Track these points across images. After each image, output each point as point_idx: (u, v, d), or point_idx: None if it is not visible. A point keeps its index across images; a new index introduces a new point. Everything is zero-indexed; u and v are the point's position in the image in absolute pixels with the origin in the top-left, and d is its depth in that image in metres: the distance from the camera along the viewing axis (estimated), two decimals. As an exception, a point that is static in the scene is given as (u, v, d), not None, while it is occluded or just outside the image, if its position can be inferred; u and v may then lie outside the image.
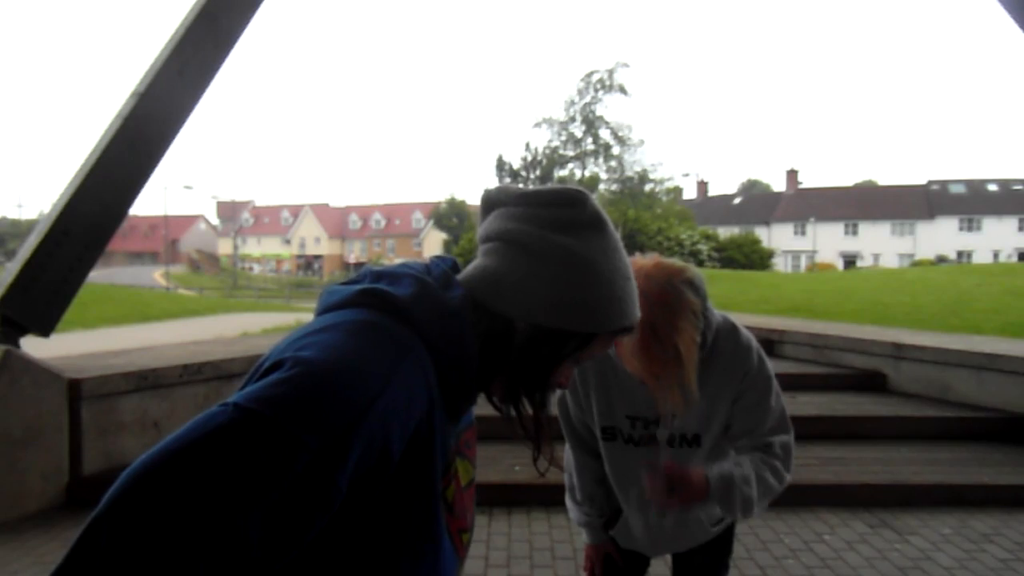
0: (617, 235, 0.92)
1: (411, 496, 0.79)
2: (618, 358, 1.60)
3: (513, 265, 0.87)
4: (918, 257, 44.46)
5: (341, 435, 0.69)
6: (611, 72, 35.14)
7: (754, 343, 1.65)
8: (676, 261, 1.49)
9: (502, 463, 4.44)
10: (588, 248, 0.87)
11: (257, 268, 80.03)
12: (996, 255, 45.59)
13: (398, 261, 0.96)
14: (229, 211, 77.51)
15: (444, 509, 0.86)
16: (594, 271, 0.87)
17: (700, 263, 25.84)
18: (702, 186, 63.09)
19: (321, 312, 0.86)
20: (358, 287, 0.84)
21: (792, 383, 6.05)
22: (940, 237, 49.07)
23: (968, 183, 53.35)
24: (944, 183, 53.88)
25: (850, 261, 50.56)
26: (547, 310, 0.86)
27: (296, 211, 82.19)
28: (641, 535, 1.78)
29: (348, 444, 0.69)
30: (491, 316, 0.87)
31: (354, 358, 0.73)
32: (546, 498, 4.13)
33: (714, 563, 1.85)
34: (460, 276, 0.90)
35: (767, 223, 52.81)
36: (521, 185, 0.95)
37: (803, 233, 52.81)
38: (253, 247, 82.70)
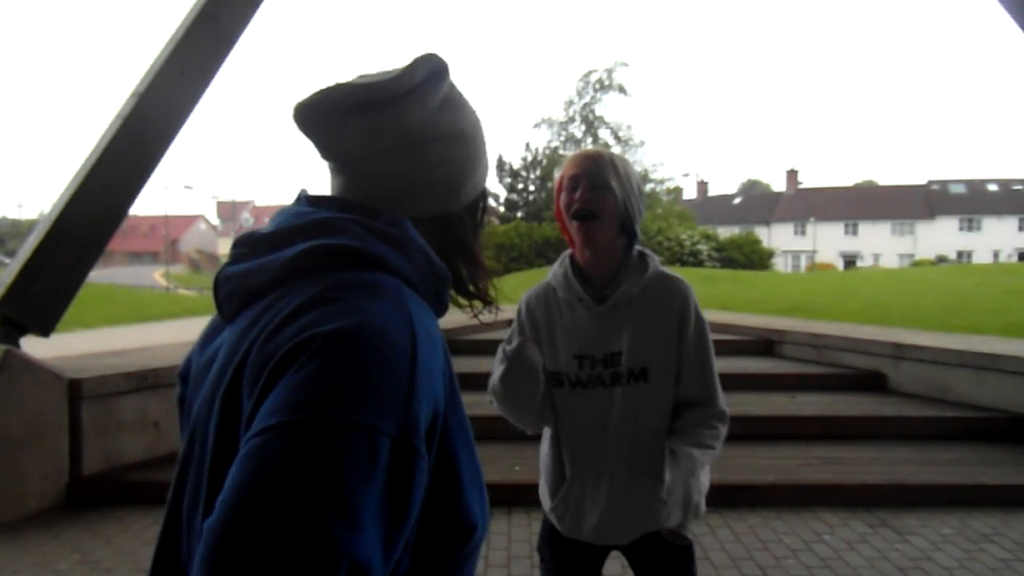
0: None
1: (457, 433, 0.73)
2: (560, 299, 1.72)
3: (418, 165, 0.82)
4: (918, 257, 44.41)
5: (405, 403, 0.62)
6: (610, 72, 35.15)
7: (691, 294, 1.71)
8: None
9: (502, 463, 4.43)
10: (467, 119, 0.89)
11: (257, 268, 79.95)
12: (996, 255, 45.58)
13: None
14: (229, 211, 77.54)
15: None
16: (481, 136, 0.91)
17: (700, 263, 25.77)
18: (702, 186, 63.12)
19: (246, 297, 0.74)
20: (297, 248, 0.72)
21: (792, 383, 6.05)
22: (940, 237, 49.05)
23: (968, 183, 53.35)
24: (944, 183, 53.87)
25: (850, 261, 50.53)
26: (469, 187, 0.88)
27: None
28: (589, 505, 1.71)
29: (415, 408, 0.63)
30: (429, 221, 0.84)
31: (371, 318, 0.65)
32: (546, 498, 4.12)
33: (678, 571, 1.73)
34: (353, 198, 0.81)
35: (767, 223, 52.76)
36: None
37: (803, 233, 52.77)
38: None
